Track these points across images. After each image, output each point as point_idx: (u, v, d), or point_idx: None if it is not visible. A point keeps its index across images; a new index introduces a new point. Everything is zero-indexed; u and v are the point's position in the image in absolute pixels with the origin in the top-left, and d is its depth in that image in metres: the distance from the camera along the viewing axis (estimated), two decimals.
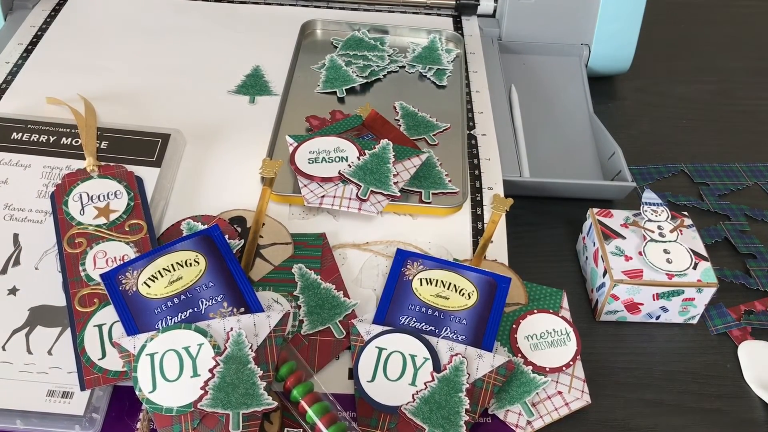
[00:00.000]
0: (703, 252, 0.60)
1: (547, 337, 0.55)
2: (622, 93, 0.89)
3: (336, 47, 0.82)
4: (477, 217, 0.64)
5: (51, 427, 0.48)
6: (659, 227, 0.62)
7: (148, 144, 0.64)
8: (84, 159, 0.62)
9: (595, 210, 0.64)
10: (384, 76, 0.79)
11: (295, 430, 0.50)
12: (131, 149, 0.64)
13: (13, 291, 0.55)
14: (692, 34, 1.00)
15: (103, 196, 0.59)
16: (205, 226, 0.58)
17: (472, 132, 0.72)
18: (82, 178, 0.61)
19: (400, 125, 0.72)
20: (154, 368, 0.48)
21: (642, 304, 0.59)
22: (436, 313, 0.55)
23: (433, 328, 0.54)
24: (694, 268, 0.59)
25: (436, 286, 0.56)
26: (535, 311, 0.57)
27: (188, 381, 0.48)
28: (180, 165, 0.66)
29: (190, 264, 0.54)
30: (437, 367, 0.51)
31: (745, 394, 0.57)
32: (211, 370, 0.48)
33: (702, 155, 0.79)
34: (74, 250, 0.56)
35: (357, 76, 0.77)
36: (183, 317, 0.51)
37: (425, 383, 0.51)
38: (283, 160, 0.62)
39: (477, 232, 0.62)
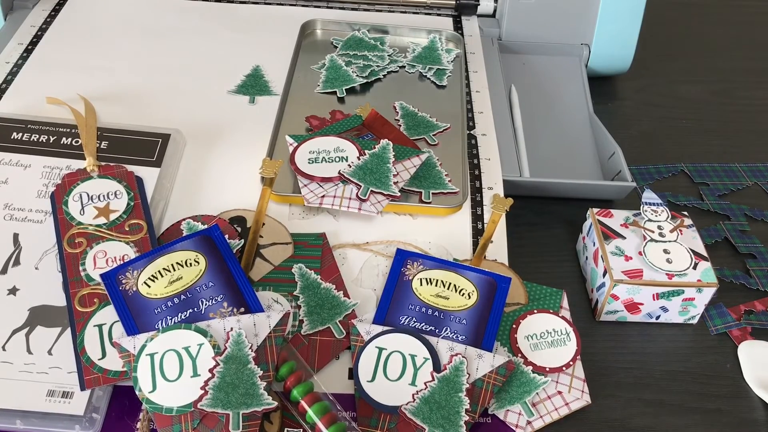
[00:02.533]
0: (703, 252, 0.60)
1: (547, 337, 0.55)
2: (622, 93, 0.89)
3: (336, 47, 0.82)
4: (477, 217, 0.64)
5: (51, 427, 0.48)
6: (659, 227, 0.62)
7: (148, 144, 0.64)
8: (84, 159, 0.62)
9: (595, 210, 0.64)
10: (384, 76, 0.79)
11: (295, 430, 0.50)
12: (131, 149, 0.64)
13: (13, 291, 0.55)
14: (692, 34, 1.00)
15: (103, 196, 0.59)
16: (205, 226, 0.58)
17: (472, 132, 0.72)
18: (82, 178, 0.61)
19: (400, 125, 0.72)
20: (154, 368, 0.48)
21: (642, 304, 0.59)
22: (436, 313, 0.55)
23: (433, 328, 0.54)
24: (694, 268, 0.59)
25: (436, 286, 0.56)
26: (535, 311, 0.57)
27: (188, 381, 0.48)
28: (180, 165, 0.66)
29: (190, 264, 0.54)
30: (437, 367, 0.51)
31: (745, 394, 0.57)
32: (211, 370, 0.48)
33: (702, 155, 0.79)
34: (74, 250, 0.56)
35: (357, 76, 0.77)
36: (183, 317, 0.51)
37: (425, 383, 0.51)
38: (283, 160, 0.62)
39: (477, 232, 0.62)
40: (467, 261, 0.60)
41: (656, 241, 0.60)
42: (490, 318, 0.55)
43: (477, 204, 0.65)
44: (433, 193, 0.64)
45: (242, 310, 0.52)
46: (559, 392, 0.53)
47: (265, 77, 0.76)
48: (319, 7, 0.88)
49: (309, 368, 0.52)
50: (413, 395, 0.50)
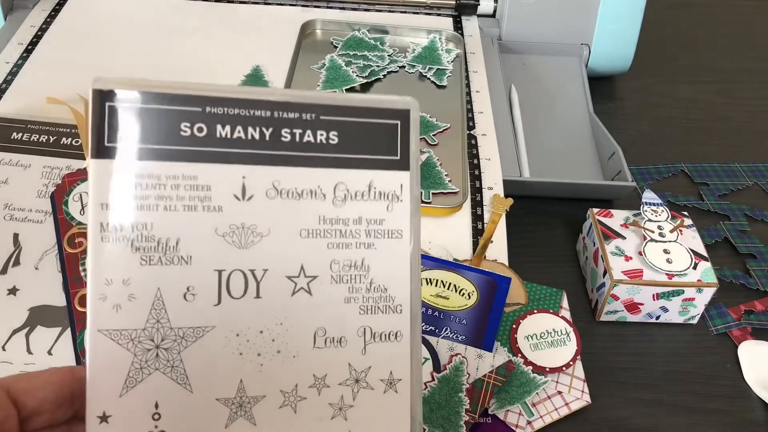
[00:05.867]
0: (703, 252, 0.60)
1: (547, 337, 0.55)
2: (622, 93, 0.89)
3: (336, 47, 0.82)
4: (477, 217, 0.64)
5: None
6: (659, 227, 0.62)
7: None
8: (84, 159, 0.62)
9: (595, 210, 0.64)
10: (384, 76, 0.79)
11: None
12: None
13: (13, 291, 0.55)
14: (692, 34, 1.00)
15: None
16: None
17: (472, 132, 0.72)
18: (82, 178, 0.61)
19: None
20: None
21: (642, 304, 0.59)
22: (436, 313, 0.55)
23: (433, 328, 0.54)
24: (694, 268, 0.59)
25: (436, 286, 0.56)
26: (535, 311, 0.57)
27: None
28: None
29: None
30: (437, 367, 0.51)
31: (745, 394, 0.57)
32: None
33: (702, 155, 0.79)
34: (74, 250, 0.56)
35: (357, 76, 0.77)
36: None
37: (425, 383, 0.51)
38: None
39: (477, 232, 0.62)
40: (467, 261, 0.60)
41: (656, 241, 0.60)
42: (490, 318, 0.55)
43: (477, 204, 0.65)
44: (433, 193, 0.64)
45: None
46: (559, 392, 0.53)
47: (265, 77, 0.76)
48: (319, 7, 0.88)
49: None
50: None
